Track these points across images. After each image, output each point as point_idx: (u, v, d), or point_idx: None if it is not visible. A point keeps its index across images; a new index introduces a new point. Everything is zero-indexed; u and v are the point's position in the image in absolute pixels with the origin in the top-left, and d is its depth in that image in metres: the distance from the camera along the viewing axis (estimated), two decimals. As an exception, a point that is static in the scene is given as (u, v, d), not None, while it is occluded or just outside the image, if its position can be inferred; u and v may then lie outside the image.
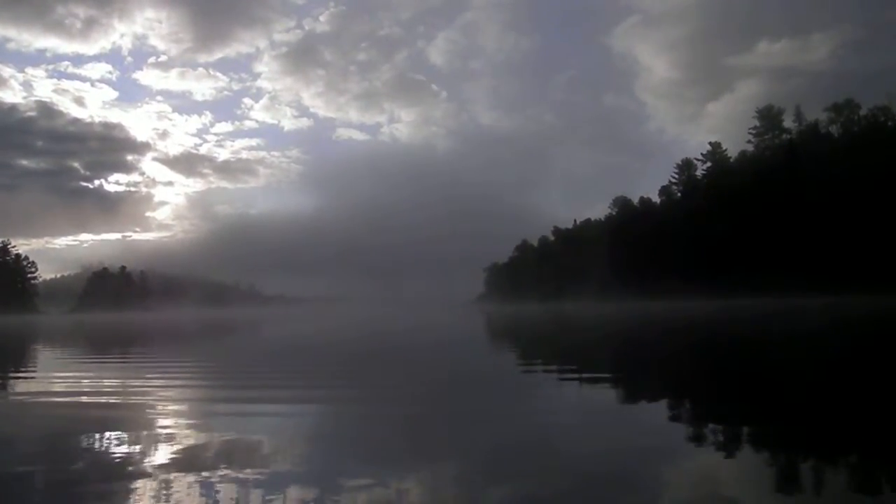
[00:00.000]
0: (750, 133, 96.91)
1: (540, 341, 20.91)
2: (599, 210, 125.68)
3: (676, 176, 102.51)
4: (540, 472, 4.35)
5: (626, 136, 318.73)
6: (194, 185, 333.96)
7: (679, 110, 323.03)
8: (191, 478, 4.25)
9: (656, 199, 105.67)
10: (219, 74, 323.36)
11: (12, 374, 13.01)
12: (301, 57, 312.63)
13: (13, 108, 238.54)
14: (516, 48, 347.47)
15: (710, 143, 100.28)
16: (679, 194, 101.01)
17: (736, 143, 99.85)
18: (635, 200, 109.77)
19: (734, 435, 5.51)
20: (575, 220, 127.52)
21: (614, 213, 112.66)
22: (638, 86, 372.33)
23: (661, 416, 6.59)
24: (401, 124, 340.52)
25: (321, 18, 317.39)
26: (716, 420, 6.12)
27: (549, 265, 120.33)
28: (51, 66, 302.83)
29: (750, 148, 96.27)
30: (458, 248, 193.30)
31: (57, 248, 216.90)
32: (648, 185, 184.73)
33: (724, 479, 4.24)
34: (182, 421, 6.73)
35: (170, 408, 7.73)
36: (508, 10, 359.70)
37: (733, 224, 79.45)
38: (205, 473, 4.35)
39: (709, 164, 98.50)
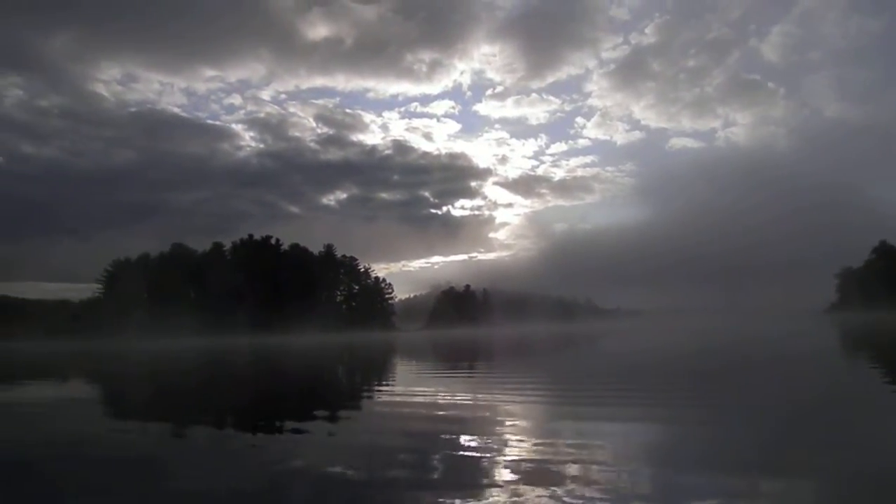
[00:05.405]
0: None
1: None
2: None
3: None
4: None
5: None
6: (532, 205, 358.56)
7: None
8: (539, 490, 4.48)
9: None
10: (551, 98, 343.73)
11: (377, 386, 14.98)
12: (630, 71, 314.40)
13: (373, 148, 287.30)
14: (862, 31, 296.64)
15: None
16: None
17: None
18: None
19: None
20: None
21: None
22: None
23: None
24: (736, 127, 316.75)
25: (647, 31, 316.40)
26: None
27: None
28: (402, 108, 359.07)
29: None
30: (800, 251, 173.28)
31: (412, 271, 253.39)
32: None
33: None
34: (527, 431, 7.18)
35: (516, 418, 8.21)
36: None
37: None
38: (552, 487, 4.54)
39: None
